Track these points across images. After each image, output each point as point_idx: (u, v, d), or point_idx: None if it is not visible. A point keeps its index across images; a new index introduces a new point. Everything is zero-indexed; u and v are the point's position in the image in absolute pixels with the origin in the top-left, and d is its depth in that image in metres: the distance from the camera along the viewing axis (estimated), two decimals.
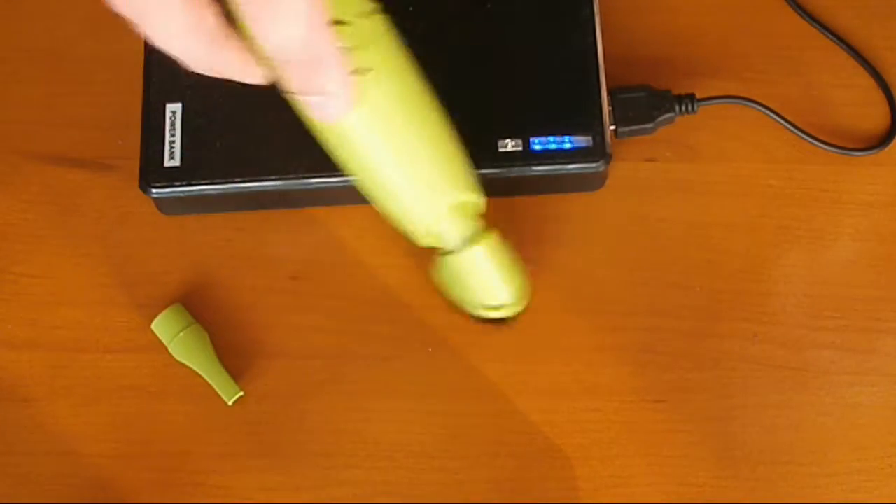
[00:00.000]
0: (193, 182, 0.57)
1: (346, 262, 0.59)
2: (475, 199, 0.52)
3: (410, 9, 0.60)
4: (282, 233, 0.60)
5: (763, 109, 0.60)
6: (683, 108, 0.59)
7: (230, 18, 0.42)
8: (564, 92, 0.58)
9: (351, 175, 0.50)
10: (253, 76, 0.43)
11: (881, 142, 0.60)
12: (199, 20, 0.40)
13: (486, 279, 0.53)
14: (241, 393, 0.57)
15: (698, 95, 0.59)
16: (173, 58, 0.41)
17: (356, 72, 0.45)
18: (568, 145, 0.57)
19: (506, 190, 0.59)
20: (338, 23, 0.45)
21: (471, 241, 0.52)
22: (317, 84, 0.44)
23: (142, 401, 0.57)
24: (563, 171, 0.57)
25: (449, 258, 0.52)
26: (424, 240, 0.52)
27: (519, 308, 0.55)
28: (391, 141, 0.48)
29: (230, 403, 0.57)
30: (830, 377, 0.57)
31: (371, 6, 0.47)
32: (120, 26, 0.64)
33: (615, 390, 0.57)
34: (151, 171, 0.58)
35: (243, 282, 0.59)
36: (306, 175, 0.57)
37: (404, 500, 0.55)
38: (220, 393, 0.57)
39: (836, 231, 0.59)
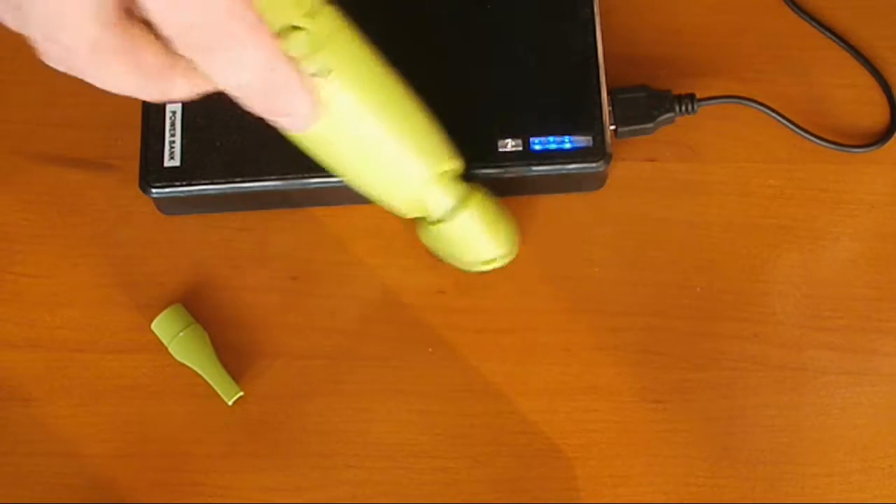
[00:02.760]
0: (193, 182, 0.57)
1: (346, 262, 0.59)
2: (455, 164, 0.52)
3: (410, 9, 0.60)
4: (282, 233, 0.60)
5: (763, 109, 0.60)
6: (683, 108, 0.59)
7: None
8: (564, 92, 0.58)
9: (329, 168, 0.50)
10: (207, 89, 0.43)
11: (881, 140, 0.60)
12: (137, 61, 0.40)
13: (477, 239, 0.53)
14: (241, 393, 0.57)
15: (698, 95, 0.59)
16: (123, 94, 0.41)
17: (317, 75, 0.45)
18: (568, 145, 0.57)
19: (506, 190, 0.59)
20: (291, 29, 0.44)
21: (457, 207, 0.52)
22: (280, 107, 0.44)
23: (142, 401, 0.57)
24: (563, 171, 0.57)
25: (438, 227, 0.52)
26: (411, 214, 0.52)
27: (512, 256, 0.55)
28: (363, 133, 0.48)
29: (230, 403, 0.57)
30: (830, 377, 0.57)
31: (319, 1, 0.46)
32: None
33: (615, 390, 0.57)
34: (151, 171, 0.58)
35: (243, 282, 0.59)
36: (306, 175, 0.57)
37: (404, 500, 0.55)
38: (220, 393, 0.57)
39: (836, 231, 0.59)
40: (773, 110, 0.60)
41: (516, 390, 0.57)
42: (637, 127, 0.59)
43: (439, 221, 0.52)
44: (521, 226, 0.59)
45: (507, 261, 0.55)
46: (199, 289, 0.59)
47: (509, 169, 0.57)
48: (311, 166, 0.57)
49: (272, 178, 0.57)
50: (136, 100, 0.59)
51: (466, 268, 0.55)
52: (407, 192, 0.51)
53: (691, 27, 0.62)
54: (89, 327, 0.58)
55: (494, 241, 0.54)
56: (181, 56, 0.41)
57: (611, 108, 0.58)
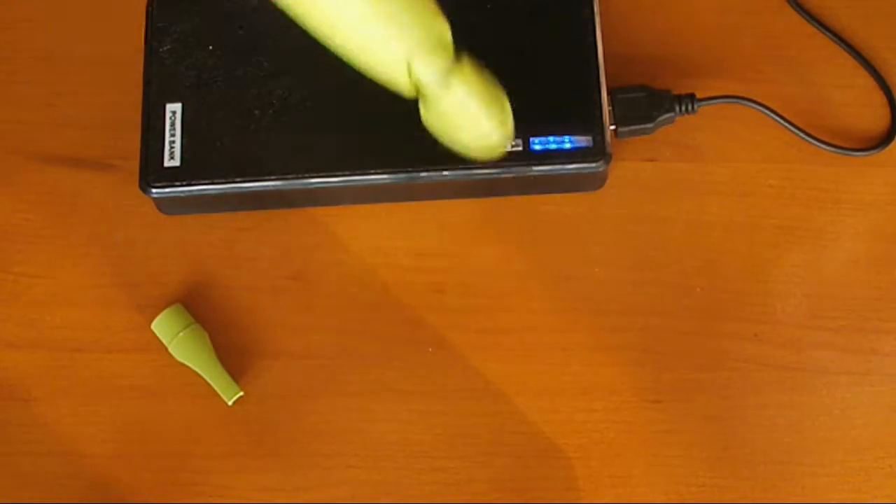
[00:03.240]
0: (193, 182, 0.57)
1: (346, 262, 0.59)
2: (445, 29, 0.50)
3: None
4: (282, 233, 0.60)
5: (763, 109, 0.60)
6: (683, 108, 0.59)
7: None
8: (564, 92, 0.58)
9: (324, 40, 0.48)
10: None
11: (881, 142, 0.60)
12: None
13: (472, 109, 0.51)
14: (241, 393, 0.57)
15: (698, 95, 0.59)
16: None
17: None
18: (568, 145, 0.57)
19: (506, 190, 0.59)
20: None
21: (449, 74, 0.50)
22: None
23: (142, 401, 0.57)
24: (563, 171, 0.57)
25: (434, 100, 0.50)
26: (409, 90, 0.50)
27: (509, 131, 0.53)
28: None
29: (230, 403, 0.57)
30: (830, 377, 0.57)
31: None
32: (120, 26, 0.65)
33: (615, 390, 0.57)
34: (151, 171, 0.58)
35: (243, 282, 0.59)
36: (306, 175, 0.57)
37: (404, 500, 0.55)
38: (220, 393, 0.57)
39: (836, 231, 0.59)
40: (772, 110, 0.60)
41: (516, 390, 0.57)
42: (637, 127, 0.59)
43: (434, 93, 0.50)
44: (521, 226, 0.59)
45: (506, 140, 0.53)
46: (199, 289, 0.59)
47: (509, 169, 0.57)
48: (312, 166, 0.57)
49: (272, 178, 0.57)
50: (136, 100, 0.59)
51: (472, 152, 0.53)
52: (394, 58, 0.49)
53: (691, 27, 0.62)
54: (89, 327, 0.58)
55: (489, 111, 0.52)
56: None
57: (611, 108, 0.58)
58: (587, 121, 0.57)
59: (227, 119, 0.58)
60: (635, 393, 0.57)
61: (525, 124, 0.57)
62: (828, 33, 0.62)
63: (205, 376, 0.57)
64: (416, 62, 0.49)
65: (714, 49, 0.62)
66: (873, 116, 0.61)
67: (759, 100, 0.60)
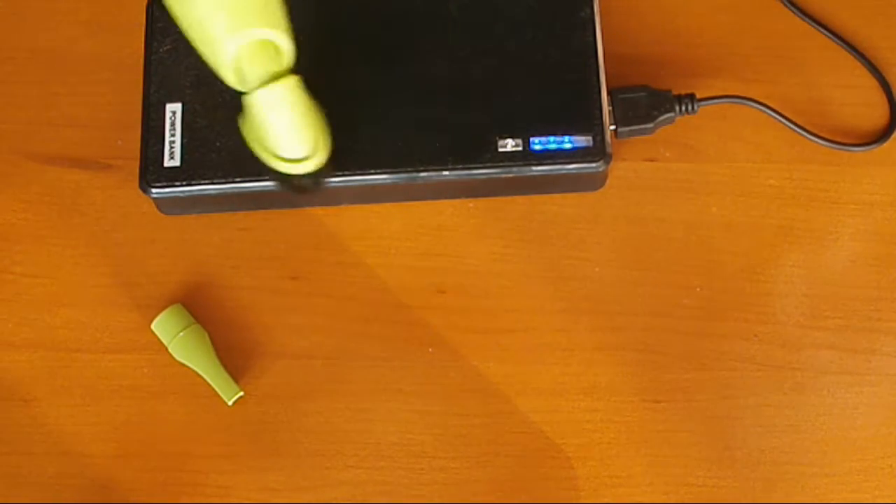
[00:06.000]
0: (193, 182, 0.57)
1: (346, 262, 0.59)
2: (280, 41, 0.50)
3: (411, 9, 0.60)
4: (282, 233, 0.60)
5: (763, 108, 0.60)
6: (683, 108, 0.59)
7: None
8: (564, 92, 0.58)
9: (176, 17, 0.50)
10: None
11: (881, 139, 0.60)
12: None
13: (280, 123, 0.52)
14: (241, 393, 0.57)
15: (698, 95, 0.59)
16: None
17: None
18: (568, 145, 0.57)
19: (506, 190, 0.59)
20: None
21: (268, 81, 0.51)
22: None
23: (142, 401, 0.57)
24: (563, 171, 0.57)
25: (247, 98, 0.51)
26: (232, 79, 0.51)
27: (313, 164, 0.53)
28: None
29: (230, 403, 0.57)
30: (830, 377, 0.57)
31: None
32: (120, 26, 0.65)
33: (615, 390, 0.57)
34: (151, 171, 0.58)
35: (243, 282, 0.59)
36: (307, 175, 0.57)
37: (404, 500, 0.56)
38: (220, 393, 0.57)
39: (836, 231, 0.59)
40: (773, 110, 0.60)
41: (516, 390, 0.57)
42: (637, 127, 0.59)
43: (249, 92, 0.51)
44: (521, 226, 0.59)
45: (311, 165, 0.53)
46: (199, 289, 0.59)
47: (509, 169, 0.57)
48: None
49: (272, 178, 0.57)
50: (136, 100, 0.59)
51: (275, 164, 0.53)
52: (224, 44, 0.49)
53: (691, 27, 0.62)
54: (89, 327, 0.58)
55: (296, 134, 0.53)
56: None
57: (611, 108, 0.58)
58: (587, 121, 0.57)
59: (227, 119, 0.58)
60: (635, 393, 0.57)
61: (525, 124, 0.57)
62: (827, 33, 0.62)
63: (205, 376, 0.57)
64: (243, 63, 0.50)
65: (714, 49, 0.62)
66: (873, 116, 0.61)
67: (759, 100, 0.60)
